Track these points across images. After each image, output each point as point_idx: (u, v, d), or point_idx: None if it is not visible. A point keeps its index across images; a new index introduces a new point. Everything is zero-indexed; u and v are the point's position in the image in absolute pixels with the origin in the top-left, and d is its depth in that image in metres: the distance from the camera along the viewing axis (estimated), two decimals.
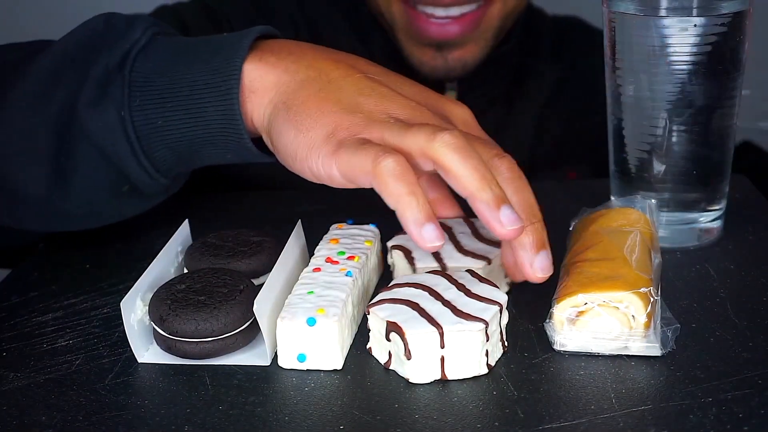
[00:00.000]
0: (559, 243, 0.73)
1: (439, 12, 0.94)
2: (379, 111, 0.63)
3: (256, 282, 0.65)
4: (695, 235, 0.72)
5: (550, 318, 0.59)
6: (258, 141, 0.68)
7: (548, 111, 1.06)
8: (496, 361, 0.59)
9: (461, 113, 0.67)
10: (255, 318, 0.60)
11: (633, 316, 0.58)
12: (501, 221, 0.58)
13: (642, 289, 0.58)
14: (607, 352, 0.58)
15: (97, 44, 0.70)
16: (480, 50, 0.97)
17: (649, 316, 0.57)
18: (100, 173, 0.69)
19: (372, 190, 0.59)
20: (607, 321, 0.58)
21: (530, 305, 0.64)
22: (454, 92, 1.01)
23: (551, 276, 0.65)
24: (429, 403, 0.55)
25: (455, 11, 0.94)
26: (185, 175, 0.74)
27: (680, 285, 0.66)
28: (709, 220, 0.72)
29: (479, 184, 0.58)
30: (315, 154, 0.62)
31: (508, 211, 0.58)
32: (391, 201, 0.58)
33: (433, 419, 0.54)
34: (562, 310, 0.58)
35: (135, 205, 0.73)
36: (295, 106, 0.64)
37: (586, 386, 0.56)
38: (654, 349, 0.57)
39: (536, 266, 0.61)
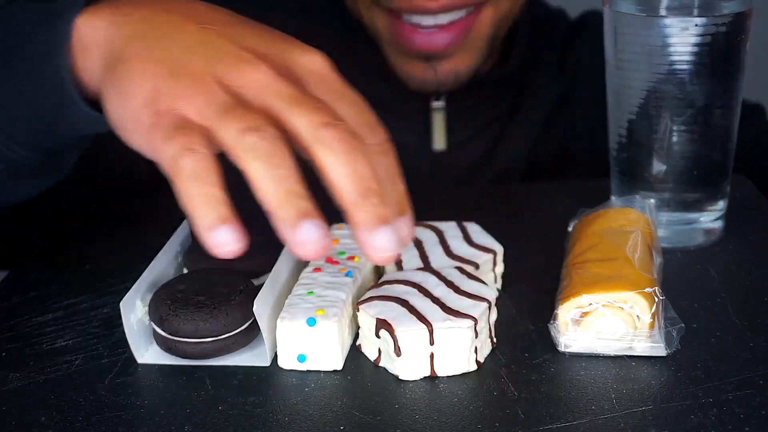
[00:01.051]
0: (560, 243, 0.73)
1: (427, 20, 0.88)
2: (208, 72, 0.54)
3: (256, 282, 0.65)
4: (696, 236, 0.72)
5: (555, 319, 0.59)
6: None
7: (552, 120, 1.01)
8: (496, 360, 0.59)
9: (311, 63, 0.56)
10: (255, 318, 0.60)
11: (638, 316, 0.57)
12: (297, 241, 0.51)
13: (647, 289, 0.58)
14: (611, 353, 0.58)
15: None
16: (473, 60, 0.92)
17: (654, 316, 0.57)
18: None
19: None
20: (611, 321, 0.58)
21: (531, 305, 0.64)
22: (442, 113, 0.96)
23: (552, 277, 0.65)
24: (429, 403, 0.55)
25: (444, 18, 0.88)
26: (77, 150, 0.68)
27: (681, 285, 0.66)
28: (709, 220, 0.72)
29: (281, 199, 0.51)
30: (133, 127, 0.55)
31: (308, 226, 0.51)
32: (183, 203, 0.51)
33: (433, 419, 0.54)
34: (566, 311, 0.58)
35: (23, 185, 0.68)
36: (119, 66, 0.56)
37: (586, 387, 0.56)
38: (659, 349, 0.57)
39: (377, 245, 0.51)
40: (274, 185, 0.51)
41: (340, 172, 0.51)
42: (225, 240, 0.52)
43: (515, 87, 1.00)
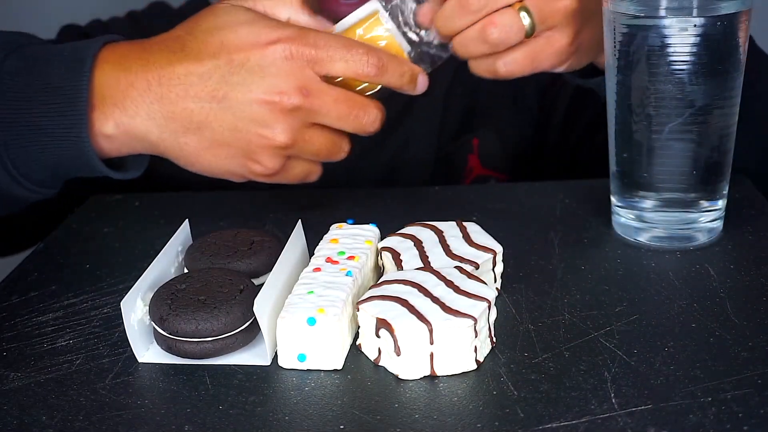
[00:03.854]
0: (560, 243, 0.73)
1: None
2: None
3: (256, 282, 0.65)
4: (695, 236, 0.72)
5: None
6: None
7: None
8: (495, 360, 0.59)
9: None
10: (255, 318, 0.60)
11: None
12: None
13: None
14: None
15: None
16: None
17: None
18: None
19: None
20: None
21: (530, 305, 0.64)
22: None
23: (551, 277, 0.65)
24: (429, 402, 0.55)
25: None
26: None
27: (680, 285, 0.66)
28: (708, 220, 0.72)
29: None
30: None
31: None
32: None
33: (433, 419, 0.54)
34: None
35: (17, 206, 0.78)
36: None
37: (585, 386, 0.56)
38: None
39: None
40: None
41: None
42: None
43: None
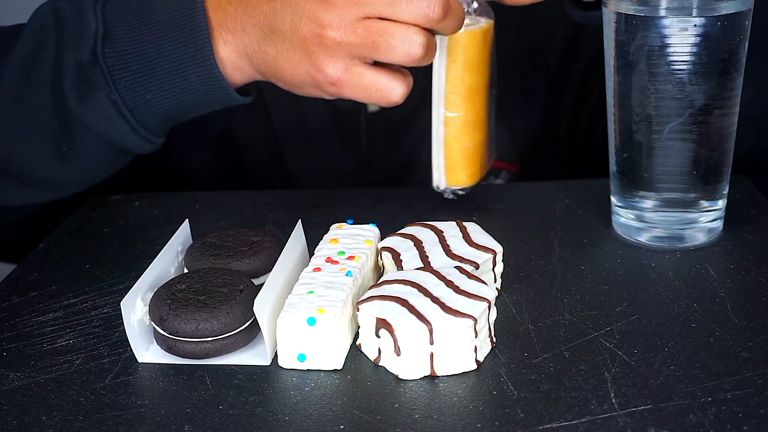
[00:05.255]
0: (560, 243, 0.73)
1: None
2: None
3: (256, 282, 0.65)
4: (695, 235, 0.72)
5: None
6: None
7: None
8: (495, 360, 0.59)
9: None
10: (255, 318, 0.60)
11: None
12: None
13: None
14: None
15: (55, 42, 0.74)
16: None
17: None
18: (103, 153, 0.77)
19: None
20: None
21: (530, 305, 0.64)
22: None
23: (551, 277, 0.65)
24: (429, 402, 0.55)
25: None
26: None
27: (680, 285, 0.66)
28: (708, 220, 0.72)
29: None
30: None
31: None
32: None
33: (433, 419, 0.54)
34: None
35: (125, 162, 0.81)
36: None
37: (585, 386, 0.56)
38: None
39: None
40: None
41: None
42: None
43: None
